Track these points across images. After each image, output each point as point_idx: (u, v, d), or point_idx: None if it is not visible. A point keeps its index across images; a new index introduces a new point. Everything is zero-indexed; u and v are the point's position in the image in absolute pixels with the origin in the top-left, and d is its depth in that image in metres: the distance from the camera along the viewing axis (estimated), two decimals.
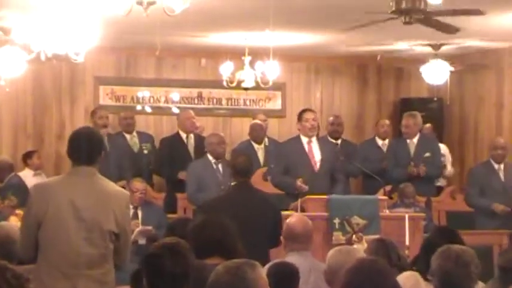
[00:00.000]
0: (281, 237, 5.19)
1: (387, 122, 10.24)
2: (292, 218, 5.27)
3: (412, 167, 8.85)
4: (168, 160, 9.31)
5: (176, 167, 9.06)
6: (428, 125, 10.32)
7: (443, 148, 9.99)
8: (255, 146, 9.57)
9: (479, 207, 8.40)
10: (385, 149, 9.81)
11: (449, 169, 10.21)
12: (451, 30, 7.49)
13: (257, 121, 9.93)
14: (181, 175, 8.84)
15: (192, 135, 9.46)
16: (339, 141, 9.79)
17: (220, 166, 8.04)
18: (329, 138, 9.69)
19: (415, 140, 9.07)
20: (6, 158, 9.67)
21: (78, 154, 4.49)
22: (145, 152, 9.80)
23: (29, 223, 4.43)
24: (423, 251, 4.59)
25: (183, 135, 9.46)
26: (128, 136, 9.91)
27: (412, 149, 9.04)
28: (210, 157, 8.07)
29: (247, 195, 6.17)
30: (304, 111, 7.91)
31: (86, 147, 4.49)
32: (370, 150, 9.78)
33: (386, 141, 9.93)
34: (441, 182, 10.05)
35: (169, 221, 8.09)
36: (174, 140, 9.50)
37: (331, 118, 10.03)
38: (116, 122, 10.25)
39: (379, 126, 10.20)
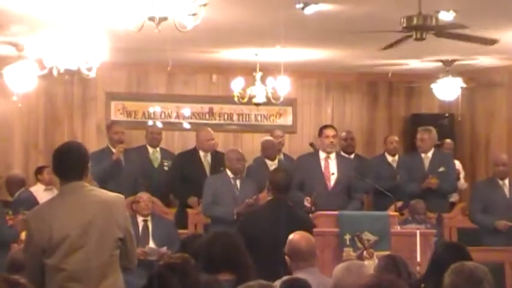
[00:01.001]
0: (286, 256, 5.16)
1: (396, 138, 10.28)
2: (295, 236, 5.22)
3: (430, 179, 8.79)
4: (181, 177, 9.23)
5: (190, 183, 9.00)
6: (448, 140, 10.34)
7: (456, 163, 9.98)
8: (268, 162, 9.50)
9: (482, 225, 8.36)
10: (395, 165, 9.84)
11: (462, 182, 10.17)
12: (488, 42, 7.42)
13: (268, 138, 9.86)
14: (191, 200, 8.89)
15: (209, 153, 9.38)
16: (352, 156, 9.83)
17: (238, 182, 8.07)
18: (342, 153, 9.69)
19: (430, 154, 9.08)
20: (19, 173, 9.69)
21: (65, 171, 4.39)
22: (166, 168, 9.73)
23: (33, 252, 4.34)
24: (431, 268, 4.56)
25: (201, 153, 9.29)
26: (151, 150, 9.90)
27: (426, 164, 9.03)
28: (228, 172, 8.12)
29: (283, 211, 6.19)
30: (325, 127, 7.92)
31: (71, 163, 4.38)
32: (381, 167, 9.84)
33: (396, 157, 9.96)
34: (454, 198, 10.02)
35: (182, 237, 8.16)
36: (191, 156, 9.37)
37: (343, 134, 10.05)
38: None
39: (387, 143, 10.25)
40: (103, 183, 8.59)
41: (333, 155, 7.71)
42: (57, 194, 4.62)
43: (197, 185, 8.49)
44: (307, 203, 7.30)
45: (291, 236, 5.25)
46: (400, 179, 9.17)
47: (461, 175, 10.29)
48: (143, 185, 9.10)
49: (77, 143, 4.77)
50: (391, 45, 7.33)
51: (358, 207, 7.66)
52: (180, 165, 9.37)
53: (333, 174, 7.58)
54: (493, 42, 7.37)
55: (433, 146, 9.14)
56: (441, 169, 8.94)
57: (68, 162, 4.39)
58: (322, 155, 7.69)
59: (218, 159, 8.88)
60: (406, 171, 9.16)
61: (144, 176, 9.40)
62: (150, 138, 9.94)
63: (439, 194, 8.92)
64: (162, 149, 10.02)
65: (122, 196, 4.61)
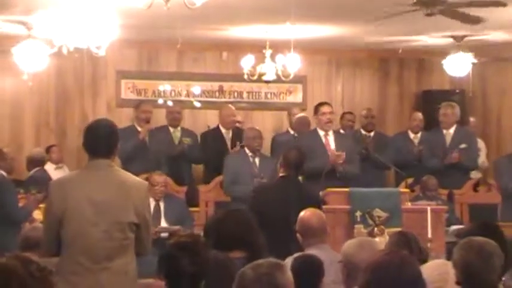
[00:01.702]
0: (297, 234, 5.18)
1: (420, 115, 10.20)
2: (306, 213, 5.27)
3: (451, 153, 8.83)
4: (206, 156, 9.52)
5: (213, 160, 9.29)
6: (472, 119, 10.32)
7: (479, 142, 9.98)
8: None
9: None
10: (416, 142, 9.84)
11: (482, 159, 10.11)
12: (474, 20, 7.42)
13: (303, 114, 9.85)
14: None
15: (230, 130, 9.61)
16: (372, 134, 9.96)
17: (257, 159, 8.14)
18: (362, 131, 9.95)
19: (452, 130, 9.10)
20: (40, 151, 9.61)
21: (95, 147, 4.45)
22: (185, 144, 9.74)
23: (50, 220, 4.43)
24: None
25: (223, 130, 9.73)
26: (172, 130, 9.91)
27: (448, 140, 9.08)
28: (247, 150, 8.26)
29: (293, 187, 6.31)
30: (320, 104, 7.96)
31: (102, 140, 4.44)
32: (402, 142, 9.85)
33: (419, 134, 9.96)
34: (474, 175, 9.99)
35: (192, 215, 8.21)
36: (213, 134, 9.77)
37: (364, 111, 10.23)
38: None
39: (411, 120, 10.24)
40: (128, 162, 8.70)
41: (330, 132, 7.76)
42: (83, 168, 4.69)
43: (221, 162, 8.67)
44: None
45: (301, 213, 5.26)
46: (423, 155, 9.20)
47: (482, 153, 10.22)
48: (167, 163, 9.18)
49: (110, 121, 4.76)
50: (376, 19, 7.25)
51: (356, 170, 7.71)
52: (206, 143, 9.68)
53: (334, 149, 7.61)
54: (503, 4, 7.20)
55: (456, 122, 9.15)
56: (463, 145, 8.95)
57: (99, 139, 4.45)
58: (321, 132, 7.73)
59: (239, 136, 9.07)
60: (428, 146, 9.20)
61: (166, 155, 9.46)
62: (170, 118, 9.97)
63: (460, 170, 8.93)
64: (182, 129, 10.04)
65: (146, 182, 4.69)
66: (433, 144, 9.15)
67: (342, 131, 9.60)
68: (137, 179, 4.61)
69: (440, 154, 8.90)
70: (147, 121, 9.41)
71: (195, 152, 9.69)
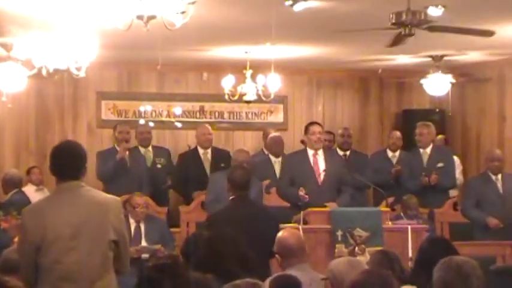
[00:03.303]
0: (276, 255, 5.15)
1: (398, 133, 10.26)
2: (284, 233, 5.20)
3: (424, 176, 8.88)
4: (184, 177, 9.45)
5: (191, 181, 9.26)
6: (440, 136, 10.37)
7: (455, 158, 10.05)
8: (273, 159, 9.53)
9: (474, 219, 8.44)
10: (394, 160, 9.87)
11: (457, 176, 10.18)
12: (486, 34, 7.35)
13: (276, 134, 9.89)
14: (196, 195, 8.98)
15: (209, 150, 9.58)
16: (348, 153, 9.92)
17: None
18: (338, 150, 9.88)
19: (428, 150, 9.16)
20: (17, 172, 9.46)
21: (62, 170, 4.38)
22: (159, 166, 9.84)
23: (27, 249, 4.34)
24: (418, 265, 4.55)
25: (200, 151, 9.67)
26: (142, 150, 9.92)
27: (425, 159, 9.13)
28: None
29: (247, 208, 6.19)
30: (311, 124, 7.95)
31: (69, 162, 4.38)
32: (380, 162, 9.87)
33: (397, 153, 10.00)
34: (452, 193, 10.04)
35: (173, 235, 8.17)
36: (191, 155, 9.71)
37: (340, 130, 10.21)
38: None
39: (389, 138, 10.29)
40: (109, 183, 8.70)
41: (320, 151, 7.75)
42: (53, 192, 4.60)
43: (198, 183, 8.67)
44: (301, 192, 7.30)
45: (279, 234, 5.24)
46: (401, 176, 9.29)
47: (458, 170, 10.28)
48: (148, 184, 9.19)
49: (76, 142, 4.75)
50: (395, 43, 7.26)
51: (347, 200, 7.67)
52: (182, 165, 9.63)
53: (324, 171, 7.59)
54: (490, 34, 7.31)
55: (432, 141, 9.21)
56: (440, 164, 9.01)
57: (66, 161, 4.39)
58: (310, 151, 7.73)
59: (219, 156, 9.01)
60: (406, 167, 9.24)
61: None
62: (140, 139, 9.98)
63: (439, 189, 8.98)
64: (154, 147, 10.07)
65: (119, 199, 4.63)
66: (412, 164, 9.17)
67: None
68: (110, 196, 4.55)
69: (418, 174, 8.94)
70: (127, 141, 9.43)
71: (170, 171, 9.76)
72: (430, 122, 9.48)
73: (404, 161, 9.54)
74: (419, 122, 9.52)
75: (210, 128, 9.85)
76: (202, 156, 9.60)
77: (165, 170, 9.88)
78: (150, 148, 9.99)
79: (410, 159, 9.35)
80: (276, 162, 9.48)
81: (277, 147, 9.57)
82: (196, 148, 9.75)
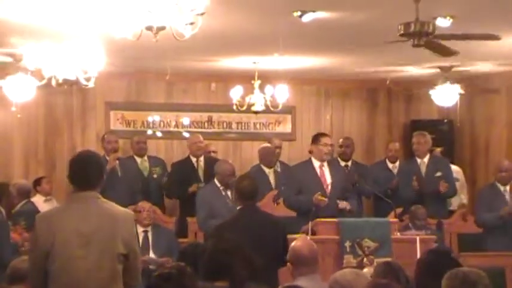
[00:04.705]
0: (288, 263, 5.15)
1: (397, 145, 10.35)
2: (298, 242, 5.20)
3: (414, 181, 8.87)
4: (178, 183, 9.44)
5: (185, 187, 9.26)
6: (438, 149, 10.35)
7: (458, 171, 10.02)
8: (266, 170, 9.59)
9: (490, 221, 8.33)
10: (395, 171, 9.92)
11: (461, 196, 10.14)
12: (450, 53, 7.41)
13: (266, 145, 9.93)
14: (192, 188, 9.04)
15: (202, 159, 9.58)
16: (349, 163, 9.86)
17: (229, 192, 8.01)
18: (339, 160, 9.80)
19: (426, 159, 9.15)
20: (26, 182, 9.40)
21: (80, 179, 4.40)
22: (155, 176, 9.90)
23: (37, 255, 4.37)
24: (420, 276, 4.51)
25: (193, 159, 9.64)
26: (138, 160, 9.98)
27: (423, 169, 9.11)
28: (217, 183, 7.98)
29: (255, 217, 6.18)
30: (321, 135, 7.89)
31: (87, 172, 4.40)
32: (380, 173, 9.91)
33: (397, 163, 10.05)
34: (453, 206, 10.02)
35: (181, 246, 8.14)
36: (185, 164, 9.65)
37: (341, 140, 10.15)
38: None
39: (388, 150, 10.32)
40: (100, 193, 8.66)
41: (325, 163, 7.71)
42: (68, 201, 4.63)
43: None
44: (318, 195, 7.27)
45: (293, 243, 5.24)
46: (398, 182, 9.32)
47: (464, 187, 10.25)
48: (140, 193, 9.19)
49: (95, 153, 4.75)
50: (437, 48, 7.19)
51: (355, 204, 7.70)
52: (176, 173, 9.63)
53: (331, 183, 7.58)
54: (496, 38, 7.29)
55: (429, 150, 9.21)
56: (438, 174, 9.00)
57: (86, 171, 4.40)
58: (316, 163, 7.65)
59: (212, 164, 8.97)
60: (404, 177, 9.22)
61: (138, 185, 9.57)
62: (136, 149, 10.05)
63: (439, 199, 8.96)
64: (149, 157, 10.13)
65: (132, 213, 4.63)
66: (410, 174, 9.15)
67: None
68: (123, 209, 4.56)
69: (416, 184, 8.92)
70: (115, 151, 9.48)
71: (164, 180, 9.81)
72: (425, 132, 9.48)
73: (402, 171, 9.55)
74: (416, 132, 9.57)
75: (200, 136, 9.87)
76: (195, 165, 9.60)
77: (160, 179, 9.91)
78: (145, 158, 10.04)
79: (408, 168, 9.33)
80: (270, 173, 9.50)
81: (269, 158, 9.62)
82: (188, 157, 9.72)
